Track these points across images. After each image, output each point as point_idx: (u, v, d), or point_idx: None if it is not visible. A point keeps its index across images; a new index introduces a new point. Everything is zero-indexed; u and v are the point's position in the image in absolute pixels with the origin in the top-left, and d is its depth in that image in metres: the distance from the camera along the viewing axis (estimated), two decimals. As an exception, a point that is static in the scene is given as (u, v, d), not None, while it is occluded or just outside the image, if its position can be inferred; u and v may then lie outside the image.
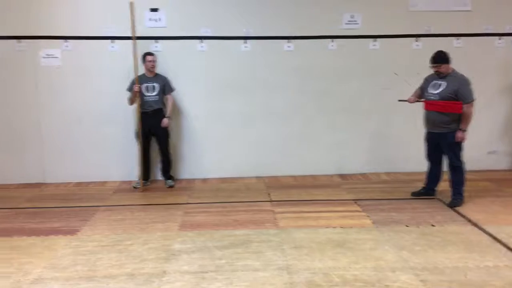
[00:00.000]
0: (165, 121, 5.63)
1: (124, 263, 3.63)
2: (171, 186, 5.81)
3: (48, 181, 6.05)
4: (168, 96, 5.71)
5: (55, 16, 5.71)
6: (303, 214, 4.69)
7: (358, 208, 4.86)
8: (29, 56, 5.77)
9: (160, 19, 5.78)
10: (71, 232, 4.30)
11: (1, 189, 5.82)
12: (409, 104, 5.09)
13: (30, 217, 4.75)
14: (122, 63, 5.75)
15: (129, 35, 5.49)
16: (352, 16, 5.93)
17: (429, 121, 4.89)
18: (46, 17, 5.70)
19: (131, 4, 5.27)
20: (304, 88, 6.07)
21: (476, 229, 4.24)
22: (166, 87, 5.67)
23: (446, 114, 4.70)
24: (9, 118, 5.90)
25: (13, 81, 5.82)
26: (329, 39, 5.94)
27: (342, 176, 6.19)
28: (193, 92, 5.99)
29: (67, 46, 5.77)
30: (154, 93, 5.58)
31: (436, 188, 5.17)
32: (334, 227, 4.31)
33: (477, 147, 6.04)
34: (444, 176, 5.09)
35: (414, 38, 5.99)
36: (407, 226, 4.33)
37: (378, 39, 5.98)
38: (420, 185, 5.29)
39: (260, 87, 6.04)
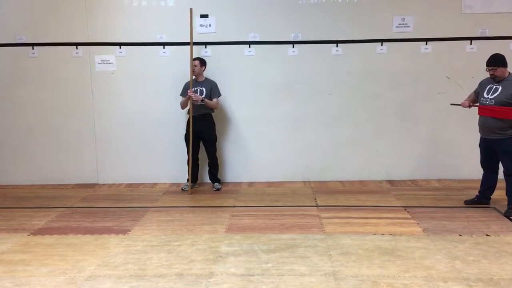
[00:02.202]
0: (197, 95, 5.53)
1: (173, 263, 3.71)
2: (218, 189, 5.89)
3: (101, 181, 6.29)
4: (214, 100, 5.70)
5: (110, 23, 5.94)
6: (350, 220, 4.64)
7: (408, 216, 4.74)
8: (85, 62, 6.04)
9: (210, 25, 5.90)
10: (123, 231, 4.44)
11: (59, 188, 6.10)
12: (462, 108, 4.93)
13: (85, 216, 4.95)
14: (172, 68, 5.93)
15: (179, 40, 5.65)
16: (403, 19, 5.81)
17: (484, 126, 4.72)
18: (101, 24, 5.94)
19: (191, 10, 5.45)
20: (353, 93, 6.00)
21: (534, 240, 4.05)
22: (212, 91, 5.70)
23: (501, 120, 4.53)
24: (66, 121, 6.18)
25: (70, 86, 6.10)
26: (378, 43, 5.86)
27: (391, 182, 6.07)
28: (241, 96, 6.05)
29: (121, 52, 5.99)
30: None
31: (491, 197, 4.97)
32: (383, 234, 4.23)
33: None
34: (500, 184, 4.88)
35: (468, 41, 5.80)
36: (460, 235, 4.18)
37: (430, 42, 5.83)
38: (473, 193, 5.11)
39: (308, 92, 6.02)
